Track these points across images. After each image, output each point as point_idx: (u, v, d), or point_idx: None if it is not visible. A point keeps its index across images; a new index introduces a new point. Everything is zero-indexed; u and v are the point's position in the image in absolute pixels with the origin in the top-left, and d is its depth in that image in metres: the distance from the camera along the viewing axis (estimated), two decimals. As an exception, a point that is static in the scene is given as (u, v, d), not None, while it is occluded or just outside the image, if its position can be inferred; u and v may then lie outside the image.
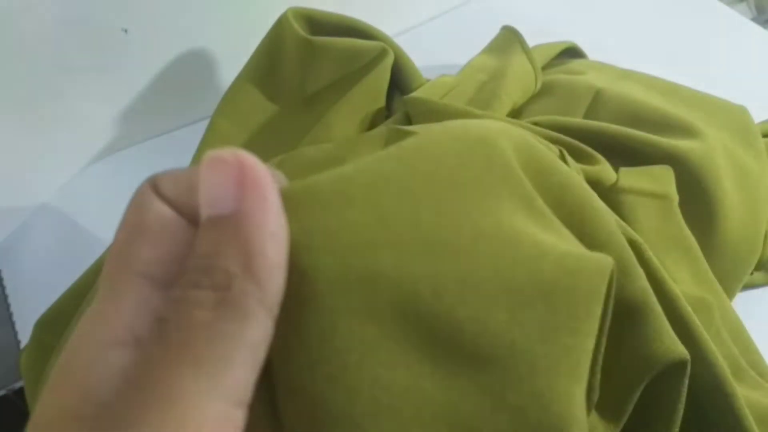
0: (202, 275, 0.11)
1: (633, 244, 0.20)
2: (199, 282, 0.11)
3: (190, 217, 0.12)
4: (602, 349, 0.14)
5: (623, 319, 0.17)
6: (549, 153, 0.16)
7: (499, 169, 0.14)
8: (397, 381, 0.12)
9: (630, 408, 0.17)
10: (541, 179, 0.15)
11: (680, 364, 0.17)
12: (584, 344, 0.13)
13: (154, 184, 0.12)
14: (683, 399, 0.18)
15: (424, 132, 0.14)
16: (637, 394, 0.17)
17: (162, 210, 0.12)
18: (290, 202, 0.12)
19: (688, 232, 0.29)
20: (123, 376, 0.11)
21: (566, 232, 0.15)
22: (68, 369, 0.11)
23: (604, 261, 0.14)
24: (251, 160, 0.12)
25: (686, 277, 0.27)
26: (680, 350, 0.17)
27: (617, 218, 0.20)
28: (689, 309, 0.20)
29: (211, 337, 0.11)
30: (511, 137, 0.15)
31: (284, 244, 0.12)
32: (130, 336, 0.11)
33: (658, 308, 0.17)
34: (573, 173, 0.17)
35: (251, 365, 0.11)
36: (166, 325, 0.11)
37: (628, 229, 0.21)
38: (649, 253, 0.21)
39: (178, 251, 0.12)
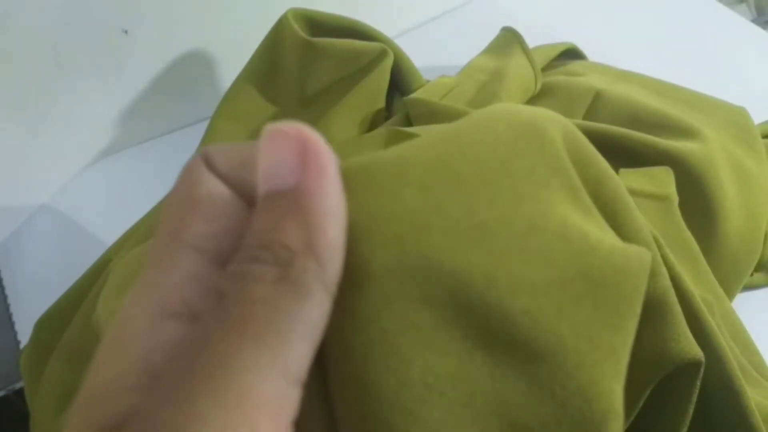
0: (262, 250, 0.11)
1: (656, 241, 0.20)
2: (260, 257, 0.11)
3: (241, 192, 0.12)
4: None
5: (643, 315, 0.17)
6: (587, 143, 0.16)
7: (551, 159, 0.14)
8: (449, 368, 0.12)
9: (639, 404, 0.17)
10: (580, 169, 0.15)
11: (694, 365, 0.17)
12: (626, 342, 0.13)
13: (206, 158, 0.12)
14: (694, 399, 0.18)
15: (477, 116, 0.14)
16: (648, 392, 0.17)
17: (214, 184, 0.12)
18: (347, 180, 0.12)
19: (688, 233, 0.29)
20: (177, 348, 0.11)
21: (606, 225, 0.15)
22: (119, 340, 0.11)
23: (646, 257, 0.14)
24: (313, 134, 0.12)
25: (687, 279, 0.27)
26: (695, 351, 0.17)
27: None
28: (703, 307, 0.20)
29: (271, 312, 0.10)
30: (558, 124, 0.15)
31: (344, 222, 0.12)
32: (183, 308, 0.11)
33: (677, 308, 0.17)
34: (607, 166, 0.17)
35: (309, 344, 0.11)
36: (225, 299, 0.11)
37: (650, 225, 0.21)
38: (666, 250, 0.21)
39: (229, 226, 0.12)
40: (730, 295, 0.30)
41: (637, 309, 0.14)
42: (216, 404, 0.10)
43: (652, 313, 0.17)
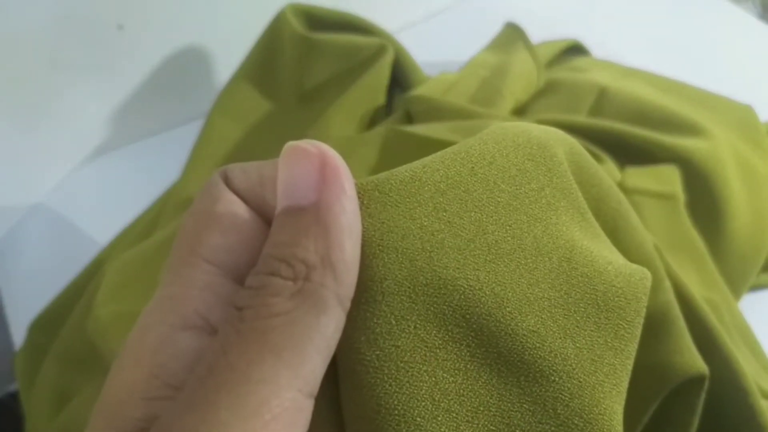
0: (281, 264, 0.11)
1: (658, 252, 0.20)
2: (278, 270, 0.11)
3: (258, 209, 0.13)
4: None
5: (645, 331, 0.17)
6: (592, 162, 0.17)
7: (558, 181, 0.15)
8: (455, 385, 0.13)
9: (645, 420, 0.17)
10: (584, 188, 0.16)
11: (698, 379, 0.17)
12: (626, 364, 0.14)
13: (225, 176, 0.13)
14: (698, 412, 0.18)
15: (488, 135, 0.15)
16: (654, 407, 0.17)
17: (232, 200, 0.12)
18: (362, 197, 0.13)
19: (695, 232, 0.29)
20: (195, 358, 0.11)
21: (611, 245, 0.16)
22: (138, 350, 0.11)
23: (647, 279, 0.15)
24: (332, 152, 0.12)
25: (693, 279, 0.27)
26: (699, 365, 0.17)
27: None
28: (710, 314, 0.20)
29: (290, 326, 0.11)
30: (565, 144, 0.16)
31: (359, 239, 0.12)
32: (200, 320, 0.12)
33: (680, 321, 0.18)
34: (610, 184, 0.17)
35: (324, 357, 0.11)
36: (244, 312, 0.11)
37: (652, 237, 0.22)
38: (668, 260, 0.21)
39: (245, 241, 0.12)
40: (737, 295, 0.30)
41: (638, 332, 0.14)
42: (236, 414, 0.10)
43: (655, 327, 0.17)
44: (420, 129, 0.28)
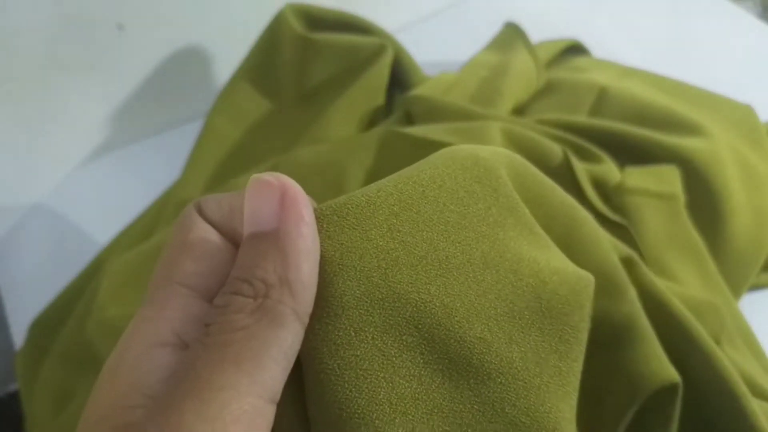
0: (243, 284, 0.13)
1: (626, 262, 0.21)
2: (240, 290, 0.13)
3: (230, 237, 0.14)
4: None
5: (611, 342, 0.18)
6: (542, 180, 0.18)
7: (505, 200, 0.16)
8: (411, 389, 0.14)
9: (621, 430, 0.17)
10: (531, 207, 0.17)
11: (670, 388, 0.18)
12: (572, 367, 0.15)
13: (198, 207, 0.14)
14: (675, 420, 0.18)
15: (439, 159, 0.16)
16: (628, 419, 0.17)
17: (205, 229, 0.14)
18: (322, 221, 0.14)
19: (695, 233, 0.28)
20: (170, 372, 0.12)
21: (561, 253, 0.17)
22: (118, 365, 0.13)
23: (590, 284, 0.16)
24: (292, 183, 0.13)
25: (693, 280, 0.27)
26: (668, 373, 0.18)
27: (609, 237, 0.21)
28: (692, 320, 0.20)
29: (250, 339, 0.12)
30: (512, 165, 0.17)
31: (317, 260, 0.14)
32: (175, 338, 0.13)
33: (646, 332, 0.18)
34: (562, 201, 0.18)
35: (283, 366, 0.13)
36: (211, 327, 0.13)
37: (620, 246, 0.22)
38: (644, 269, 0.21)
39: (217, 266, 0.14)
40: (737, 295, 0.30)
41: (583, 336, 0.15)
42: (200, 416, 0.11)
43: (620, 338, 0.18)
44: (417, 130, 0.28)
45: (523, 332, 0.15)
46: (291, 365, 0.13)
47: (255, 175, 0.13)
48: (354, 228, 0.14)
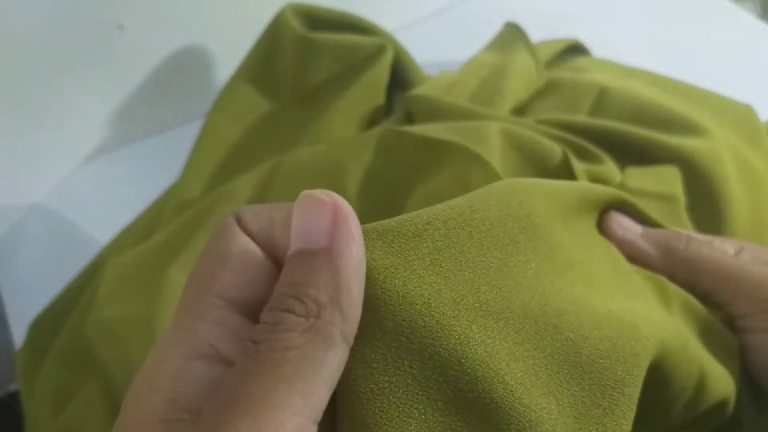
0: (295, 302, 0.13)
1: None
2: (292, 308, 0.13)
3: (268, 250, 0.14)
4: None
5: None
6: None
7: (545, 254, 0.16)
8: (444, 425, 0.13)
9: None
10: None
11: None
12: (619, 423, 0.15)
13: (237, 217, 0.14)
14: None
15: (492, 198, 0.16)
16: None
17: (244, 241, 0.14)
18: (367, 243, 0.14)
19: (695, 233, 0.28)
20: (207, 385, 0.12)
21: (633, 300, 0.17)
22: (154, 377, 0.13)
23: (635, 339, 0.16)
24: (343, 201, 0.13)
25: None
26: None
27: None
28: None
29: (301, 359, 0.12)
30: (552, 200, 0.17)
31: (364, 281, 0.14)
32: (212, 350, 0.13)
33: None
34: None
35: (329, 388, 0.13)
36: (261, 345, 0.12)
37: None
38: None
39: (255, 279, 0.14)
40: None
41: (631, 390, 0.15)
42: None
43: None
44: (416, 129, 0.28)
45: (561, 386, 0.14)
46: (335, 387, 0.13)
47: (306, 192, 0.13)
48: (398, 255, 0.14)
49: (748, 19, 0.49)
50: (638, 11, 0.50)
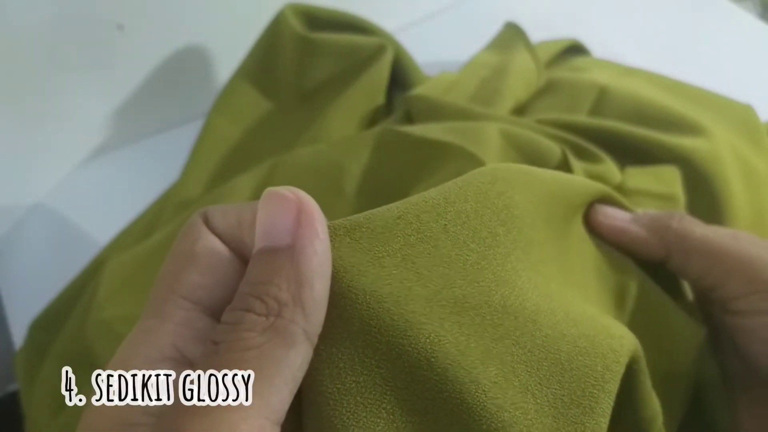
0: (255, 301, 0.12)
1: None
2: (252, 307, 0.12)
3: (236, 249, 0.14)
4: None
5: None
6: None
7: (525, 247, 0.15)
8: (413, 425, 0.13)
9: None
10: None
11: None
12: (598, 422, 0.14)
13: (205, 217, 0.14)
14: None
15: (469, 189, 0.15)
16: None
17: (211, 241, 0.14)
18: (333, 240, 0.14)
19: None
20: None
21: (583, 303, 0.16)
22: None
23: (620, 342, 0.15)
24: (308, 198, 0.13)
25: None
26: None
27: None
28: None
29: (260, 358, 0.12)
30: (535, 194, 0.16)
31: (329, 280, 0.13)
32: (176, 353, 0.13)
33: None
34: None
35: (291, 388, 0.12)
36: (220, 345, 0.12)
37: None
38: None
39: (222, 279, 0.13)
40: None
41: (610, 387, 0.15)
42: None
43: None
44: (415, 129, 0.28)
45: (540, 383, 0.14)
46: (298, 387, 0.13)
47: (270, 188, 0.13)
48: (367, 252, 0.14)
49: (748, 19, 0.49)
50: (638, 11, 0.50)
